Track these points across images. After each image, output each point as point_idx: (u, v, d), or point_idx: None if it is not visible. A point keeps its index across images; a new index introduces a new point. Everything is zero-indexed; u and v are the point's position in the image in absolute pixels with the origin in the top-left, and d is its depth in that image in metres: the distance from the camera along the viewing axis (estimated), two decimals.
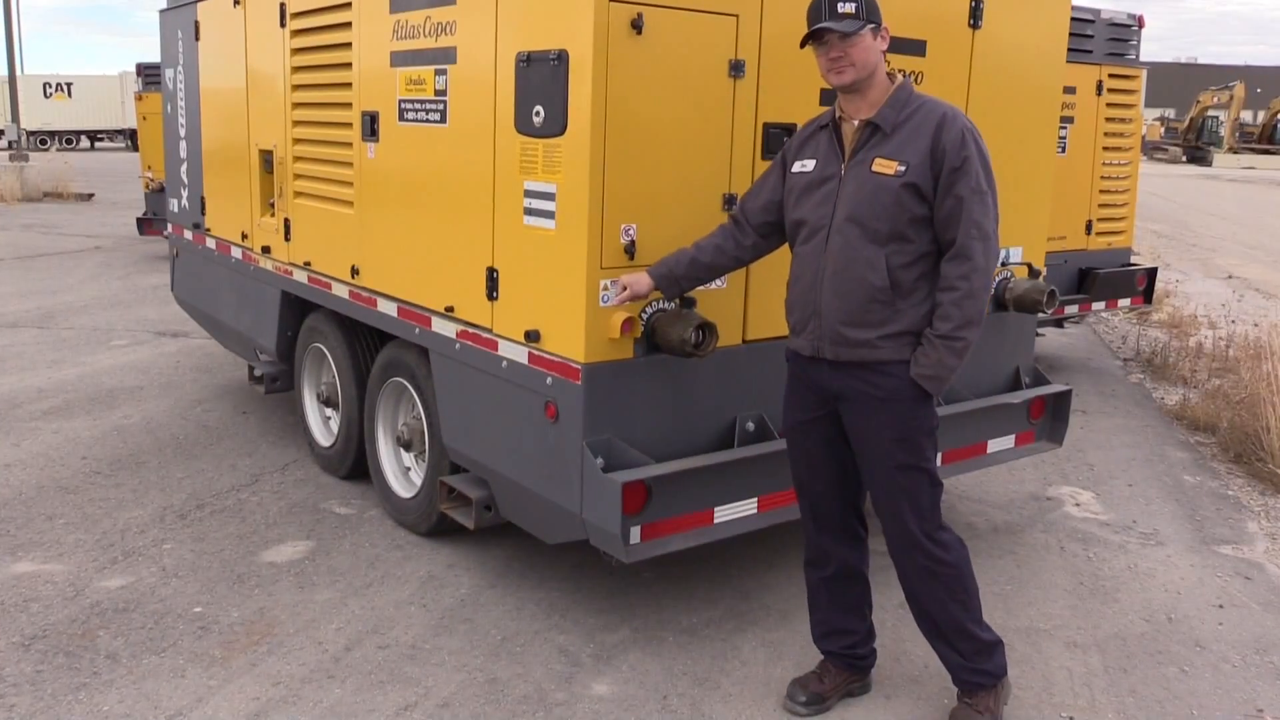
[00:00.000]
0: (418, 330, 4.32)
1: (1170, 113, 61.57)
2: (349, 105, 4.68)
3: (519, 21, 3.59)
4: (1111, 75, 7.75)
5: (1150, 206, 21.62)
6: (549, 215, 3.51)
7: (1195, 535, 5.03)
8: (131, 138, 37.76)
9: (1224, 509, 5.41)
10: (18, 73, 28.25)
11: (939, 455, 3.34)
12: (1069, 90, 7.11)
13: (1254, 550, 4.89)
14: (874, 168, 3.01)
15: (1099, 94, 7.70)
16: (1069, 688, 3.60)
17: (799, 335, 3.19)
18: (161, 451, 5.78)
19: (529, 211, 3.60)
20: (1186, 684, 3.66)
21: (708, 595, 4.18)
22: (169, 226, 7.32)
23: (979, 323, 2.99)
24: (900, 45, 3.83)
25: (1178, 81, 67.63)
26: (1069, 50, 4.81)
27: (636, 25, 3.30)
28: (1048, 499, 5.46)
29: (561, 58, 3.35)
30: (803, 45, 3.08)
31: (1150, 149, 45.95)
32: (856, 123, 3.08)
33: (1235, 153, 44.93)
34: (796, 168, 3.19)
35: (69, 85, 41.59)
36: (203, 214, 6.48)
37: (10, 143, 27.26)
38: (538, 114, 3.49)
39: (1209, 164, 43.60)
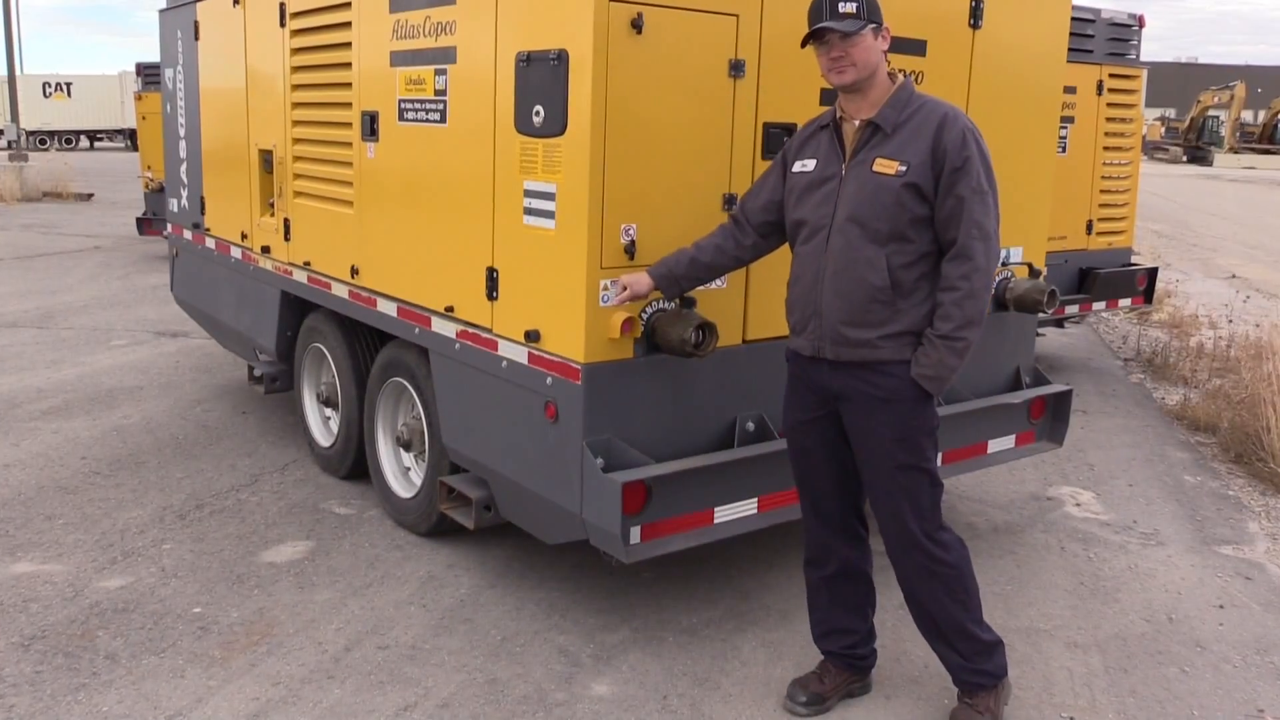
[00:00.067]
0: (417, 330, 4.32)
1: (1171, 112, 61.57)
2: (349, 105, 4.68)
3: (519, 21, 3.59)
4: (1112, 75, 7.75)
5: (1151, 206, 21.62)
6: (549, 215, 3.50)
7: (1196, 535, 5.03)
8: (131, 137, 37.76)
9: (1224, 509, 5.40)
10: (17, 72, 28.23)
11: (939, 455, 3.34)
12: (1069, 90, 7.11)
13: (1254, 550, 4.88)
14: (875, 168, 3.00)
15: (1099, 94, 7.69)
16: (1069, 688, 3.60)
17: (799, 335, 3.19)
18: (161, 452, 5.78)
19: (529, 211, 3.60)
20: (1187, 684, 3.66)
21: (708, 595, 4.18)
22: (168, 226, 7.31)
23: (980, 323, 2.99)
24: (900, 45, 3.82)
25: (1178, 81, 67.64)
26: (1069, 50, 4.81)
27: (636, 25, 3.30)
28: (1048, 499, 5.46)
29: (561, 57, 3.35)
30: (804, 45, 3.08)
31: (1151, 149, 45.94)
32: (857, 123, 3.08)
33: (1236, 153, 44.92)
34: (797, 167, 3.19)
35: (68, 85, 41.57)
36: (202, 214, 6.48)
37: (10, 142, 27.26)
38: (538, 114, 3.49)
39: (1210, 164, 43.59)
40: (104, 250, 13.88)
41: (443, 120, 4.03)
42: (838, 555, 3.34)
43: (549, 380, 3.56)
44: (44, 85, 40.99)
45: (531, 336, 3.62)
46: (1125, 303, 8.21)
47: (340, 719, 3.31)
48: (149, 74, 13.49)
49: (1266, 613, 4.24)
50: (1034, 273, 4.62)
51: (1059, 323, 8.89)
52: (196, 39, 6.21)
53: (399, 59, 4.26)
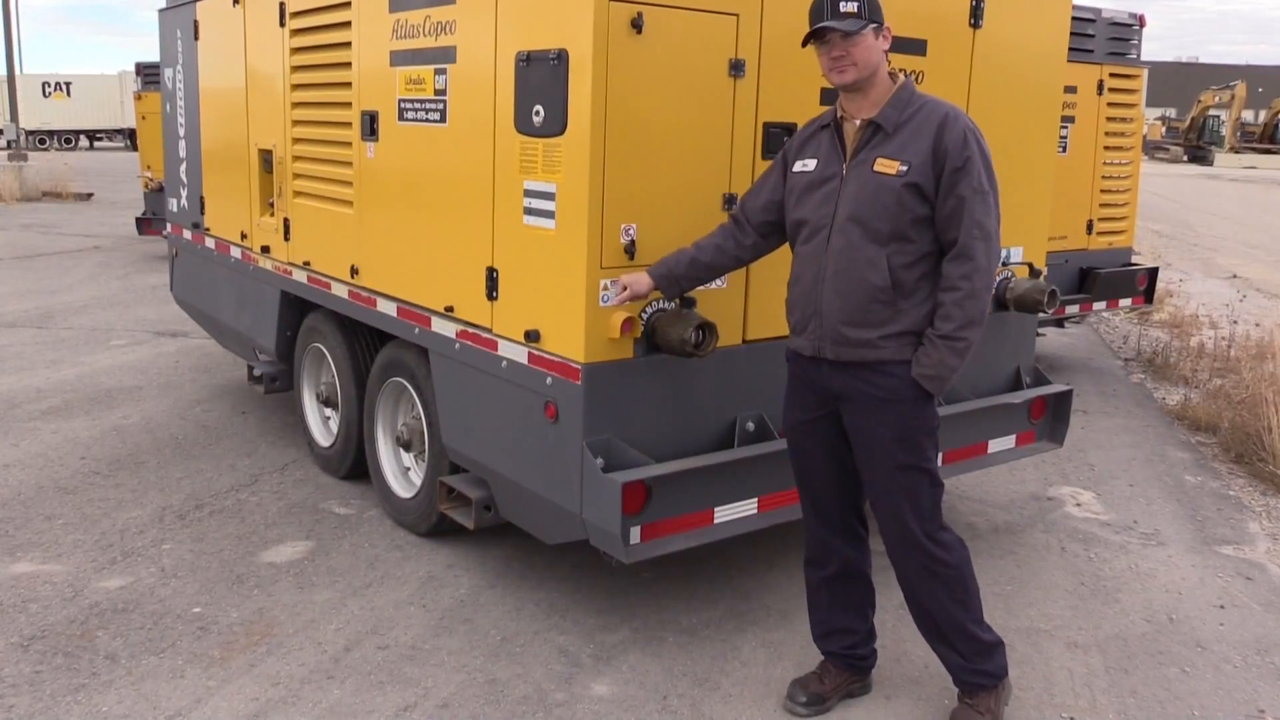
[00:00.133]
0: (417, 330, 4.31)
1: (1171, 112, 61.61)
2: (348, 105, 4.67)
3: (519, 21, 3.58)
4: (1113, 74, 7.75)
5: (1151, 206, 21.62)
6: (549, 215, 3.50)
7: (1196, 535, 5.02)
8: (130, 137, 37.77)
9: (1225, 509, 5.40)
10: (16, 72, 28.22)
11: (940, 455, 3.34)
12: (1070, 90, 7.11)
13: (1255, 551, 4.88)
14: (876, 167, 3.00)
15: (1100, 93, 7.69)
16: (1070, 688, 3.60)
17: (800, 335, 3.18)
18: (160, 452, 5.78)
19: (529, 211, 3.59)
20: (1188, 684, 3.65)
21: (708, 595, 4.18)
22: (168, 226, 7.31)
23: (981, 323, 2.99)
24: (901, 45, 3.81)
25: (1179, 81, 67.64)
26: (1070, 50, 4.81)
27: (636, 25, 3.29)
28: (1048, 499, 5.45)
29: (561, 57, 3.35)
30: (804, 44, 3.07)
31: (1151, 148, 45.94)
32: (858, 122, 3.07)
33: (1236, 152, 44.94)
34: (797, 167, 3.19)
35: (68, 85, 41.57)
36: (202, 213, 6.48)
37: (9, 142, 27.25)
38: (537, 113, 3.49)
39: (1210, 163, 43.61)
40: (103, 250, 13.88)
41: (442, 120, 4.03)
42: (838, 556, 3.33)
43: (549, 380, 3.56)
44: (43, 85, 40.98)
45: (531, 336, 3.62)
46: (1126, 303, 8.21)
47: (340, 719, 3.30)
48: (149, 74, 13.48)
49: (1267, 613, 4.24)
50: (1034, 272, 4.62)
51: (1059, 323, 8.89)
52: (196, 39, 6.21)
53: (399, 58, 4.26)
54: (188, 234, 6.76)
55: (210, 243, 6.40)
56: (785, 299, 3.25)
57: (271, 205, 5.56)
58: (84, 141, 43.23)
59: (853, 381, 3.09)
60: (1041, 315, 4.72)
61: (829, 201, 3.07)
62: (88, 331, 8.83)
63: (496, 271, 3.79)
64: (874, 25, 2.99)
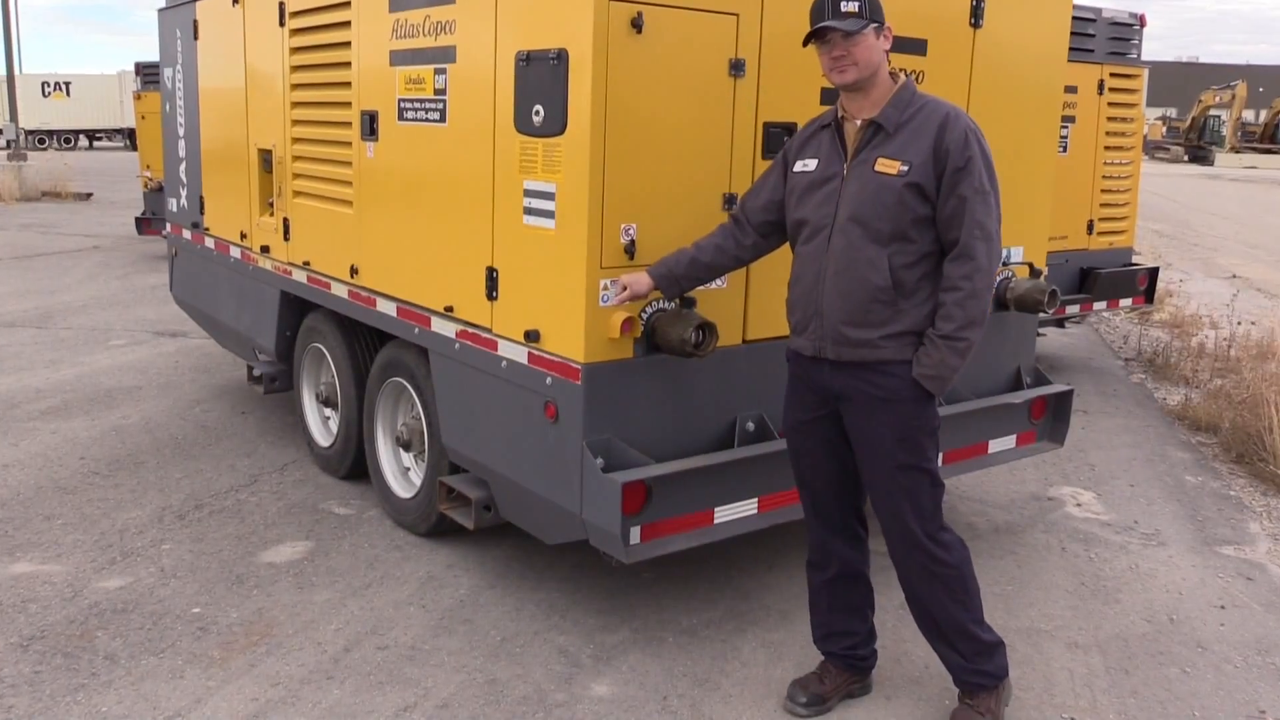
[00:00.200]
0: (417, 330, 4.31)
1: (1172, 112, 61.60)
2: (348, 104, 4.67)
3: (519, 20, 3.58)
4: (1113, 74, 7.74)
5: (1152, 206, 21.62)
6: (549, 215, 3.49)
7: (1197, 536, 5.02)
8: (130, 137, 37.76)
9: (1226, 509, 5.39)
10: (16, 72, 28.22)
11: (940, 455, 3.33)
12: (1070, 89, 7.10)
13: (1256, 551, 4.88)
14: (877, 168, 3.00)
15: (1100, 93, 7.68)
16: (1070, 688, 3.59)
17: (800, 335, 3.18)
18: (160, 452, 5.77)
19: (529, 211, 3.59)
20: (1188, 685, 3.65)
21: (708, 596, 4.17)
22: (168, 226, 7.31)
23: (981, 323, 2.98)
24: (901, 44, 3.81)
25: (1179, 81, 67.62)
26: (1070, 49, 4.80)
27: (636, 24, 3.29)
28: (1049, 499, 5.45)
29: (561, 57, 3.34)
30: (805, 44, 3.07)
31: (1152, 148, 45.94)
32: (859, 122, 3.07)
33: (1237, 152, 44.94)
34: (798, 167, 3.18)
35: (67, 84, 41.56)
36: (201, 213, 6.47)
37: (9, 142, 27.22)
38: (537, 113, 3.48)
39: (1211, 163, 43.61)
40: (103, 250, 13.88)
41: (442, 120, 4.02)
42: (838, 556, 3.33)
43: (549, 380, 3.56)
44: (43, 85, 40.98)
45: (531, 336, 3.61)
46: (1126, 302, 8.20)
47: (339, 719, 3.31)
48: (148, 73, 13.47)
49: (1268, 613, 4.23)
50: (1035, 272, 4.62)
51: (1060, 323, 8.89)
52: (196, 38, 6.20)
53: (398, 58, 4.26)
54: (187, 234, 6.76)
55: (210, 242, 6.40)
56: (786, 299, 3.24)
57: (271, 205, 5.55)
58: (83, 141, 43.22)
59: (853, 381, 3.08)
60: (1042, 315, 4.72)
61: (830, 201, 3.07)
62: (87, 331, 8.83)
63: (496, 271, 3.79)
64: (875, 25, 2.98)
